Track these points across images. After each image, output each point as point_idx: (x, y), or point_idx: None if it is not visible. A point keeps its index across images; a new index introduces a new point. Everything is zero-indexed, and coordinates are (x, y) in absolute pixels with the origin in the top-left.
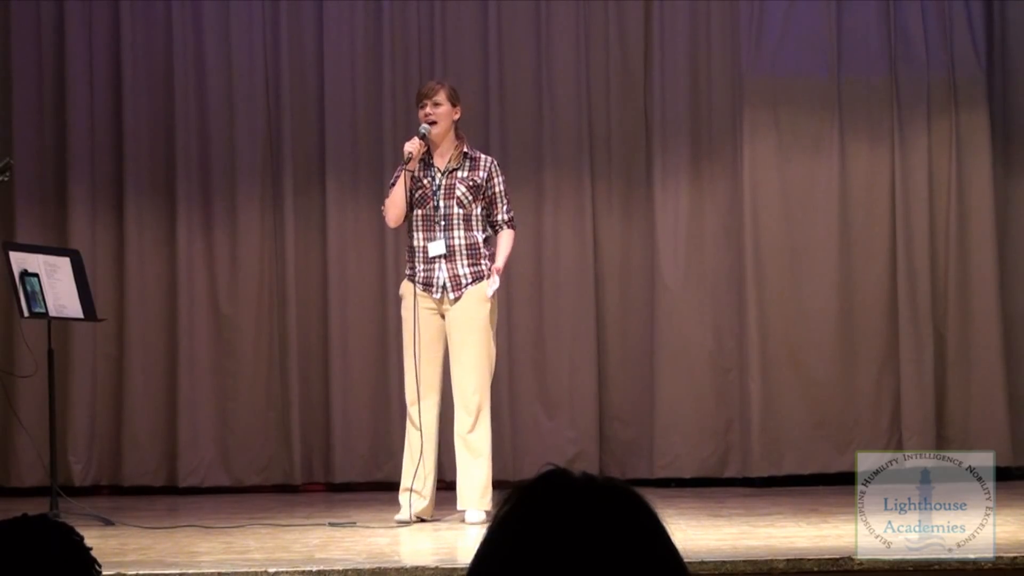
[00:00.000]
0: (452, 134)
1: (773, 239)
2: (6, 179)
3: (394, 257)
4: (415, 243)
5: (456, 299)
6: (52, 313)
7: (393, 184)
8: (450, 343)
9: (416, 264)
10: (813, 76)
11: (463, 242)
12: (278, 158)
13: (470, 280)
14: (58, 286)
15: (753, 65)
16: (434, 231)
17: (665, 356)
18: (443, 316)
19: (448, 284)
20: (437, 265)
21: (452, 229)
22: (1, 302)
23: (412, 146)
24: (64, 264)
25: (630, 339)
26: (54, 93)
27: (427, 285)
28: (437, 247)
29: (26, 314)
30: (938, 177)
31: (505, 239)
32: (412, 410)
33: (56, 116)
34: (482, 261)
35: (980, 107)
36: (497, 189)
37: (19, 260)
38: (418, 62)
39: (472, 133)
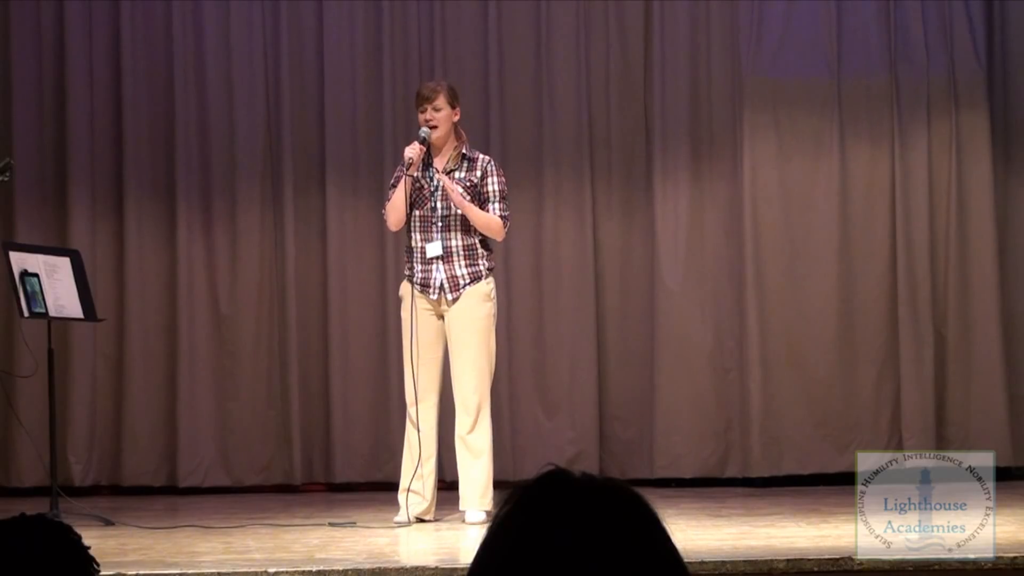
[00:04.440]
0: (452, 135)
1: (773, 239)
2: (6, 179)
3: (394, 257)
4: (413, 244)
5: (454, 300)
6: (52, 313)
7: (393, 186)
8: (449, 344)
9: (414, 264)
10: (813, 76)
11: (460, 243)
12: (278, 158)
13: (468, 281)
14: (58, 286)
15: (753, 65)
16: (432, 232)
17: (665, 356)
18: (442, 317)
19: (446, 285)
20: (435, 266)
21: (450, 230)
22: (1, 302)
23: (413, 151)
24: (64, 264)
25: (630, 339)
26: (54, 93)
27: (425, 286)
28: (435, 248)
29: (26, 314)
30: (938, 177)
31: (488, 214)
32: (412, 411)
33: (56, 116)
34: (480, 261)
35: (980, 107)
36: (490, 188)
37: (19, 260)
38: (418, 62)
39: (472, 133)
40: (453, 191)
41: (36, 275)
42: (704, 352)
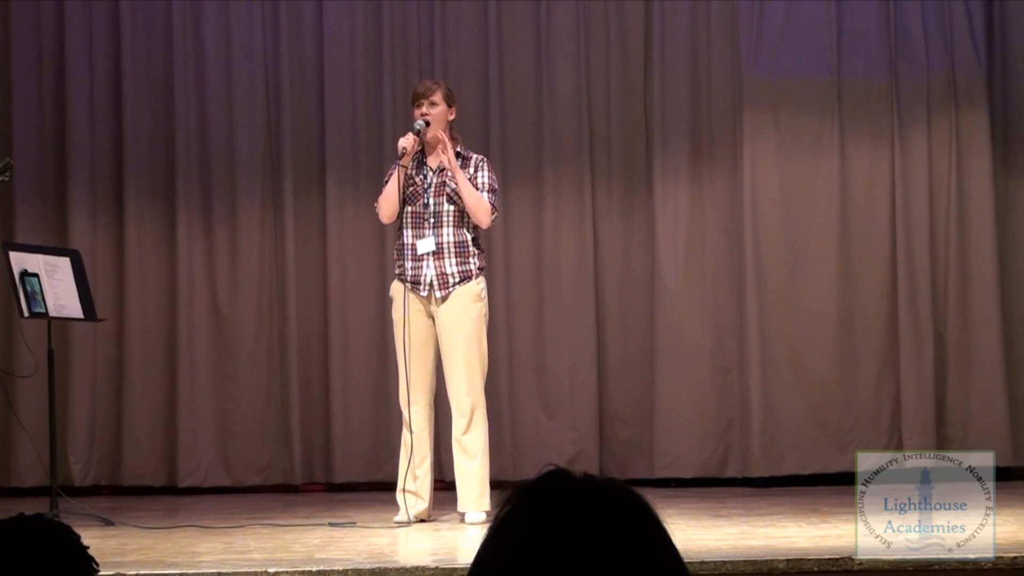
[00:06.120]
0: (447, 135)
1: (773, 239)
2: (6, 179)
3: (394, 257)
4: (404, 240)
5: (443, 298)
6: (52, 313)
7: (387, 181)
8: (441, 345)
9: (405, 262)
10: (813, 76)
11: (452, 239)
12: (278, 158)
13: (458, 279)
14: (58, 286)
15: (753, 65)
16: (423, 228)
17: (665, 356)
18: (432, 317)
19: (435, 282)
20: (425, 263)
21: (441, 226)
22: (1, 302)
23: (407, 141)
24: (64, 264)
25: (630, 339)
26: (54, 93)
27: (415, 283)
28: (426, 244)
29: (26, 314)
30: (938, 177)
31: (480, 195)
32: (405, 412)
33: (56, 116)
34: (471, 260)
35: (980, 107)
36: (480, 180)
37: (19, 260)
38: (418, 62)
39: (472, 133)
40: (448, 151)
41: (36, 275)
42: (704, 352)
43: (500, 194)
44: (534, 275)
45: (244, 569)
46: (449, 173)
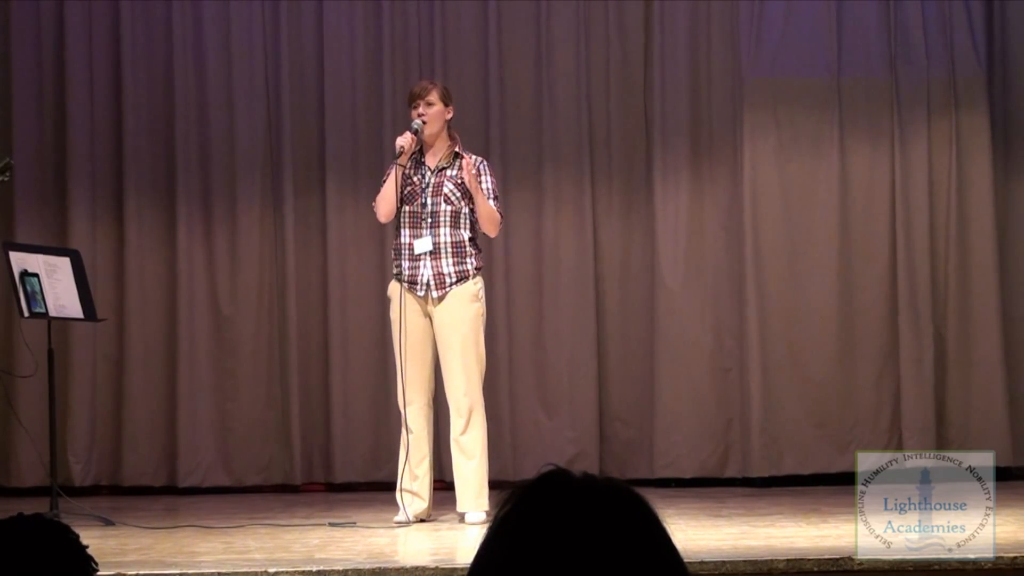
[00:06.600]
0: (445, 134)
1: (773, 239)
2: (6, 179)
3: (392, 257)
4: (402, 240)
5: (440, 298)
6: (52, 313)
7: (385, 180)
8: (438, 345)
9: (402, 262)
10: (813, 76)
11: (449, 239)
12: (278, 158)
13: (455, 280)
14: (58, 286)
15: (753, 65)
16: (421, 228)
17: (665, 356)
18: (430, 317)
19: (432, 282)
20: (422, 262)
21: (439, 226)
22: (1, 302)
23: (404, 140)
24: (64, 264)
25: (630, 339)
26: (54, 93)
27: (412, 283)
28: (423, 244)
29: (26, 314)
30: (938, 177)
31: (493, 209)
32: (404, 412)
33: (56, 116)
34: (468, 260)
35: (980, 107)
36: (484, 186)
37: (19, 260)
38: (418, 62)
39: (472, 133)
40: (469, 167)
41: (36, 275)
42: (704, 352)
43: (500, 196)
44: (534, 275)
45: (244, 569)
46: (448, 173)
